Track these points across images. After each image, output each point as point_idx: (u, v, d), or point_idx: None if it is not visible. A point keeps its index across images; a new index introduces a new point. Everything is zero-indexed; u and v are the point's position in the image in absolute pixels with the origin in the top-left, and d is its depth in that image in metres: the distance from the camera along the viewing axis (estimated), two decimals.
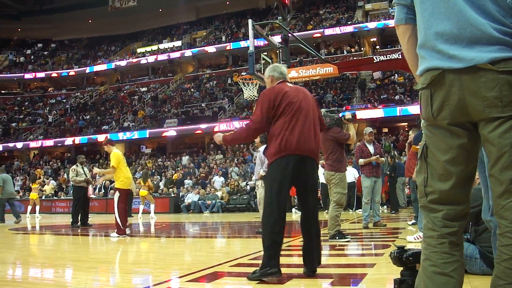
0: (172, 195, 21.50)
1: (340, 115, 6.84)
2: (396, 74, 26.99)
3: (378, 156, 8.59)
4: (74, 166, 12.38)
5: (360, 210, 10.44)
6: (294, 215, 14.33)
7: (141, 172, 24.41)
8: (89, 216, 12.27)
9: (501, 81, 1.61)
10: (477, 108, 1.66)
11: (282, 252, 3.85)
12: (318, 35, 32.20)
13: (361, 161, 8.61)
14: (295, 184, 3.98)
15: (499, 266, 1.68)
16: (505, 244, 1.67)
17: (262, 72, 13.97)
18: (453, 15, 1.69)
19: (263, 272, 3.67)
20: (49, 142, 32.93)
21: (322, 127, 4.34)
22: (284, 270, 3.87)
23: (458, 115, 1.72)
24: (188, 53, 37.03)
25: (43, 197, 23.24)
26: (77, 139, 31.83)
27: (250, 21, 12.40)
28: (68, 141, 32.22)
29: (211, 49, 36.07)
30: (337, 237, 6.48)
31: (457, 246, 1.79)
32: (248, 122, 4.06)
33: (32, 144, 33.43)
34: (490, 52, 1.62)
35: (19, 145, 34.10)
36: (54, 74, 41.36)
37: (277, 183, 3.82)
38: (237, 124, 24.86)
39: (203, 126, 27.84)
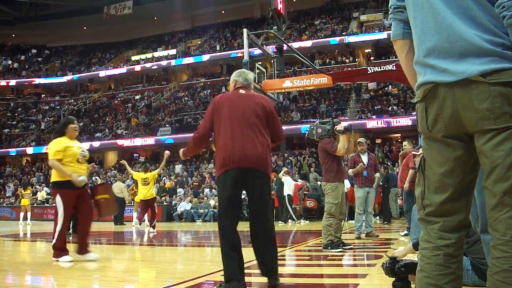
0: (165, 203, 21.37)
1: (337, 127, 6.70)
2: (390, 85, 27.12)
3: (361, 164, 8.56)
4: None
5: (352, 220, 10.43)
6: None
7: (132, 180, 24.27)
8: None
9: (493, 93, 1.61)
10: (471, 121, 1.67)
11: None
12: (312, 44, 32.28)
13: (349, 171, 8.61)
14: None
15: (491, 279, 1.68)
16: (497, 256, 1.67)
17: (257, 81, 14.02)
18: (443, 29, 1.70)
19: (229, 285, 3.51)
20: (42, 149, 32.70)
21: (276, 138, 3.95)
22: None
23: (452, 127, 1.73)
24: (182, 61, 36.99)
25: (35, 204, 23.00)
26: None
27: (245, 30, 12.49)
28: None
29: (205, 57, 36.04)
30: (329, 247, 6.47)
31: (454, 258, 1.79)
32: None
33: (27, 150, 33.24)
34: (481, 64, 1.62)
35: (12, 151, 33.87)
36: (48, 81, 41.15)
37: (223, 199, 3.70)
38: None
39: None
